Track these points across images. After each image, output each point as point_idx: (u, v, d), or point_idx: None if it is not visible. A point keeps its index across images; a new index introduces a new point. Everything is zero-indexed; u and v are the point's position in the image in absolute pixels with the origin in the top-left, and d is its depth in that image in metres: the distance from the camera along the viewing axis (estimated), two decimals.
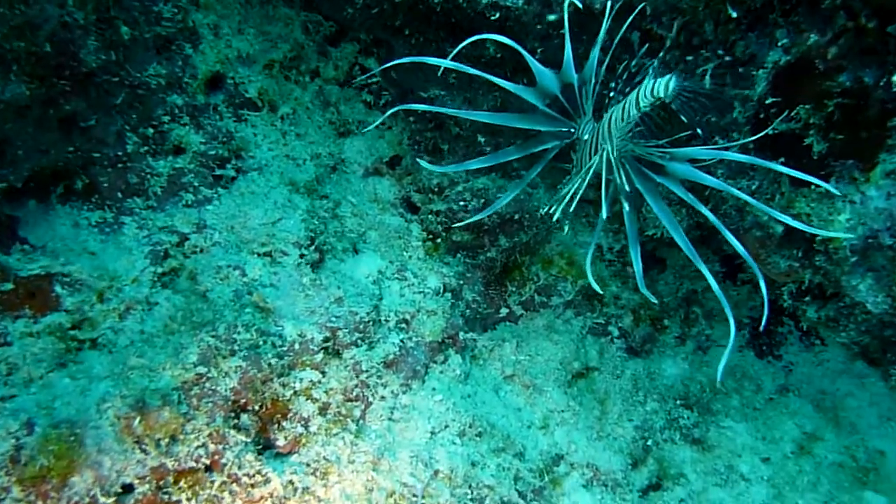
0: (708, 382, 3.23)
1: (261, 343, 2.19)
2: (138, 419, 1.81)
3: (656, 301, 2.28)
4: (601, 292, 2.29)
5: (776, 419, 3.06)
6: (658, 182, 1.92)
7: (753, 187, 2.30)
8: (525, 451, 2.76)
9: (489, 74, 1.95)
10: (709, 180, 1.96)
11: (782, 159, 2.14)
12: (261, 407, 2.18)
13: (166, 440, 1.87)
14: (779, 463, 2.92)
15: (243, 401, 2.10)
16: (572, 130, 2.05)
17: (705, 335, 3.44)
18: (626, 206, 1.90)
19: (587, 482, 2.84)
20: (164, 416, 1.83)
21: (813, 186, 2.10)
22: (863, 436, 2.99)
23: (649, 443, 3.01)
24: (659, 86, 1.71)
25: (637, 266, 1.92)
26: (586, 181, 1.96)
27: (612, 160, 1.91)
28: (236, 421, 2.08)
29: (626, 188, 1.88)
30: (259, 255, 2.42)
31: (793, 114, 2.01)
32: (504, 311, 3.37)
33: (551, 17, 2.28)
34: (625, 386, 3.25)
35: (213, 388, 2.03)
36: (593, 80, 1.99)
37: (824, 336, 3.24)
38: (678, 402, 3.16)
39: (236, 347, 2.13)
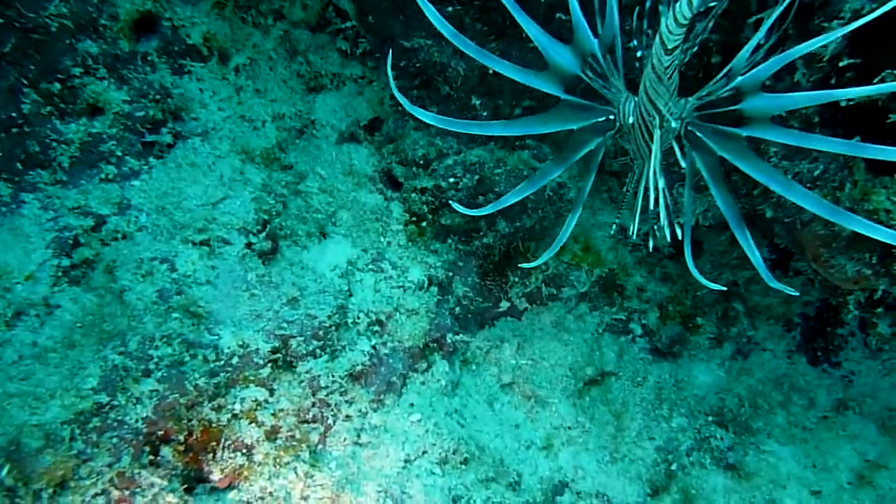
0: (748, 395, 2.90)
1: (186, 359, 1.91)
2: (6, 468, 1.55)
3: (723, 288, 1.89)
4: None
5: (831, 442, 2.73)
6: (745, 136, 1.56)
7: (816, 172, 1.93)
8: (521, 479, 2.48)
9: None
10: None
11: (857, 139, 1.75)
12: (188, 436, 1.91)
13: (49, 491, 1.61)
14: (832, 496, 2.61)
15: (161, 432, 1.83)
16: (611, 117, 1.69)
17: (746, 336, 3.10)
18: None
19: None
20: (45, 460, 1.57)
21: None
22: None
23: (673, 467, 2.73)
24: (682, 7, 1.37)
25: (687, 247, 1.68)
26: (658, 178, 1.55)
27: (670, 138, 1.61)
28: (153, 457, 1.82)
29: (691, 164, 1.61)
30: (194, 244, 2.12)
31: (875, 80, 1.61)
32: (504, 304, 3.06)
33: None
34: (647, 396, 2.95)
35: (119, 418, 1.76)
36: (619, 42, 1.63)
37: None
38: (710, 418, 2.85)
39: (152, 366, 1.85)
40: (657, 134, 1.57)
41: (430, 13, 1.66)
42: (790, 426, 2.81)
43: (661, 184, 1.54)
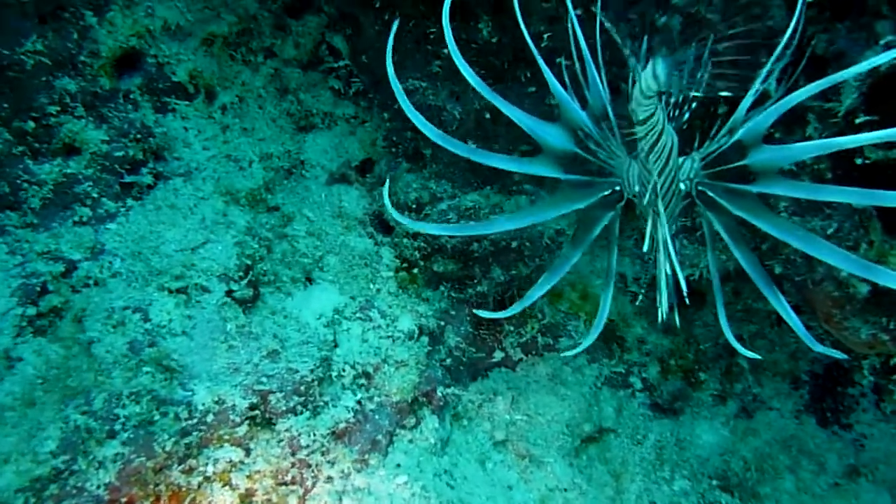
0: (754, 458, 2.79)
1: (156, 417, 1.80)
2: None
3: (759, 357, 1.83)
4: None
5: None
6: (755, 193, 1.52)
7: (830, 230, 1.86)
8: None
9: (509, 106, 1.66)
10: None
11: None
12: (155, 501, 1.79)
13: None
14: None
15: (125, 499, 1.72)
16: (617, 188, 1.65)
17: (752, 394, 3.00)
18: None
19: None
20: None
21: None
22: None
23: None
24: (647, 79, 1.39)
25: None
26: (665, 259, 1.55)
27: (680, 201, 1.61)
28: None
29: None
30: (171, 291, 2.03)
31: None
32: (498, 354, 2.97)
33: None
34: (647, 456, 2.85)
35: (79, 485, 1.65)
36: (609, 109, 1.60)
37: None
38: (715, 482, 2.75)
39: (118, 427, 1.74)
40: (658, 214, 1.53)
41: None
42: (799, 493, 2.69)
43: (668, 260, 1.48)
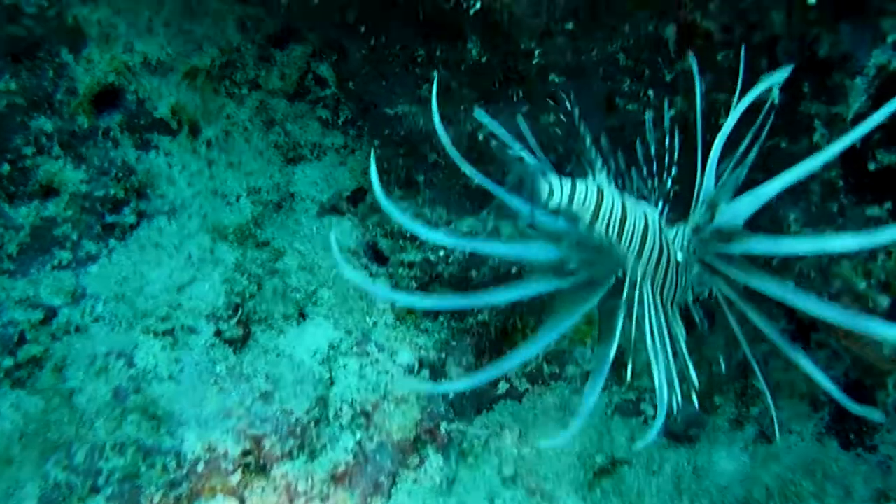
0: (776, 484, 2.69)
1: (143, 469, 1.71)
2: None
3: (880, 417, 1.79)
4: None
5: None
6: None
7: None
8: None
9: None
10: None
11: (888, 205, 1.63)
12: None
13: None
14: None
15: None
16: (619, 275, 1.73)
17: (770, 417, 2.90)
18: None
19: None
20: None
21: None
22: None
23: None
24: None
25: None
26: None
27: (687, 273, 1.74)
28: None
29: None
30: (156, 334, 1.95)
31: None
32: (503, 386, 2.88)
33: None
34: (664, 486, 2.74)
35: None
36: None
37: None
38: None
39: (101, 482, 1.65)
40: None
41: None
42: None
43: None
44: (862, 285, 1.77)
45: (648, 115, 1.82)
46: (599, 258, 1.69)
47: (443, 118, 2.34)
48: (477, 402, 2.81)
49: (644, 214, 1.73)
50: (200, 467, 1.86)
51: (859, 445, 2.68)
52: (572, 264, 1.65)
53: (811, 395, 2.85)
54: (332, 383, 2.27)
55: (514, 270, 2.49)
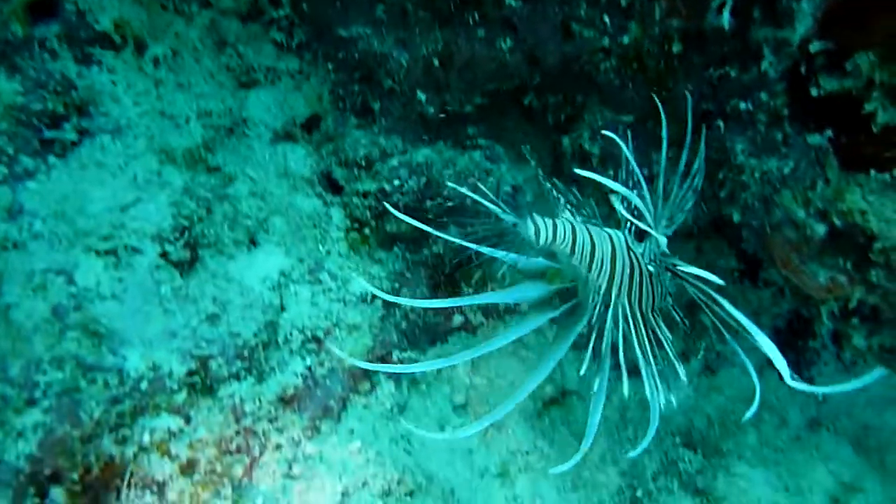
0: (718, 414, 2.79)
1: (82, 384, 1.70)
2: None
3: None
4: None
5: (804, 464, 2.62)
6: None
7: (787, 169, 1.82)
8: None
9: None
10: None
11: (829, 133, 1.66)
12: (85, 474, 1.70)
13: None
14: None
15: (49, 470, 1.62)
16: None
17: (715, 351, 2.99)
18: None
19: None
20: None
21: (873, 173, 1.61)
22: None
23: (639, 494, 2.60)
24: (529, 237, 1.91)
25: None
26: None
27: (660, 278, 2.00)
28: (39, 500, 1.60)
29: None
30: (98, 253, 1.92)
31: (848, 66, 1.52)
32: (458, 319, 2.90)
33: None
34: (610, 416, 2.83)
35: None
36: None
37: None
38: (678, 439, 2.73)
39: (38, 394, 1.64)
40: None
41: None
42: (761, 447, 2.70)
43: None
44: (801, 214, 1.81)
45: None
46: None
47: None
48: (431, 335, 2.84)
49: (609, 237, 1.97)
50: (144, 385, 1.86)
51: (797, 377, 2.77)
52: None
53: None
54: (282, 309, 2.26)
55: (468, 203, 2.48)
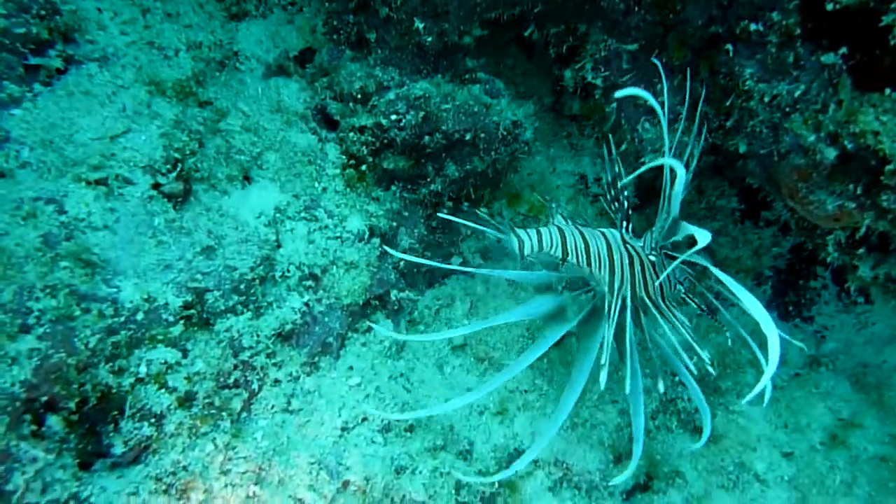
0: (717, 353, 2.79)
1: (77, 313, 1.67)
2: None
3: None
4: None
5: (803, 401, 2.63)
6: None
7: (798, 93, 1.78)
8: (473, 447, 2.32)
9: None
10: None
11: (843, 51, 1.61)
12: (81, 403, 1.68)
13: None
14: (804, 458, 2.52)
15: (45, 398, 1.60)
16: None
17: (714, 292, 2.98)
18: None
19: (555, 484, 2.42)
20: None
21: (887, 91, 1.57)
22: None
23: None
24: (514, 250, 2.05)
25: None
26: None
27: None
28: (35, 427, 1.59)
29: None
30: (89, 182, 1.87)
31: None
32: (456, 260, 2.89)
33: None
34: (610, 356, 2.81)
35: None
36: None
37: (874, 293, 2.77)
38: (677, 378, 2.72)
39: (32, 321, 1.61)
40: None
41: None
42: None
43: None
44: (811, 138, 1.77)
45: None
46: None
47: None
48: (429, 276, 2.82)
49: (602, 235, 2.06)
50: (140, 317, 1.83)
51: (797, 317, 2.79)
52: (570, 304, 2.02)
53: (755, 271, 2.93)
54: (278, 245, 2.23)
55: (468, 137, 2.42)
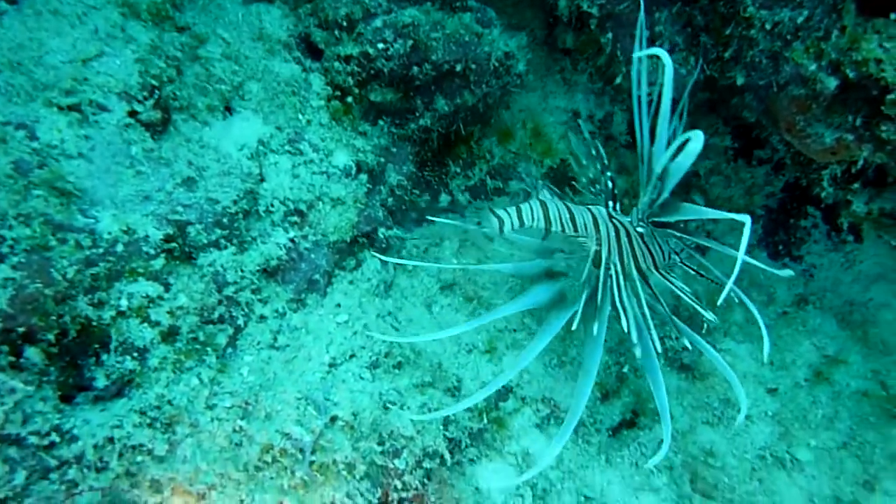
0: (705, 292, 2.79)
1: (52, 243, 1.61)
2: None
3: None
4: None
5: (790, 339, 2.66)
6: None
7: (800, 19, 1.72)
8: (461, 384, 2.32)
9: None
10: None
11: None
12: (61, 335, 1.64)
13: None
14: (788, 394, 2.56)
15: (23, 328, 1.56)
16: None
17: (706, 231, 2.98)
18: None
19: (542, 421, 2.44)
20: None
21: (893, 16, 1.52)
22: None
23: (625, 370, 2.62)
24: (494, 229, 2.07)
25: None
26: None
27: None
28: (13, 359, 1.55)
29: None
30: (61, 108, 1.79)
31: None
32: (445, 199, 2.85)
33: None
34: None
35: None
36: None
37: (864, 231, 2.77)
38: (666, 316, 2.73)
39: (6, 249, 1.55)
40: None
41: None
42: (748, 324, 2.72)
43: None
44: (812, 67, 1.72)
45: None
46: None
47: None
48: (418, 214, 2.78)
49: (589, 210, 2.09)
50: (119, 248, 1.77)
51: (787, 255, 2.79)
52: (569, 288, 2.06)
53: (747, 210, 2.91)
54: (262, 179, 2.16)
55: (458, 69, 2.34)
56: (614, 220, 2.10)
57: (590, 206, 2.12)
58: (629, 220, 2.10)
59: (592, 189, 2.24)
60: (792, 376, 2.60)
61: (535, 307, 2.06)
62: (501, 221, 2.04)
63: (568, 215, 2.08)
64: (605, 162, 2.14)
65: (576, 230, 2.08)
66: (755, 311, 1.90)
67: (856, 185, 1.93)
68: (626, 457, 2.46)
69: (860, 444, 2.45)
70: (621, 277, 2.05)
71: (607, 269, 2.06)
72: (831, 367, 2.59)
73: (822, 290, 2.79)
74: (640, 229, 2.07)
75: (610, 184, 2.14)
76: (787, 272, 1.75)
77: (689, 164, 1.69)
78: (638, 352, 1.92)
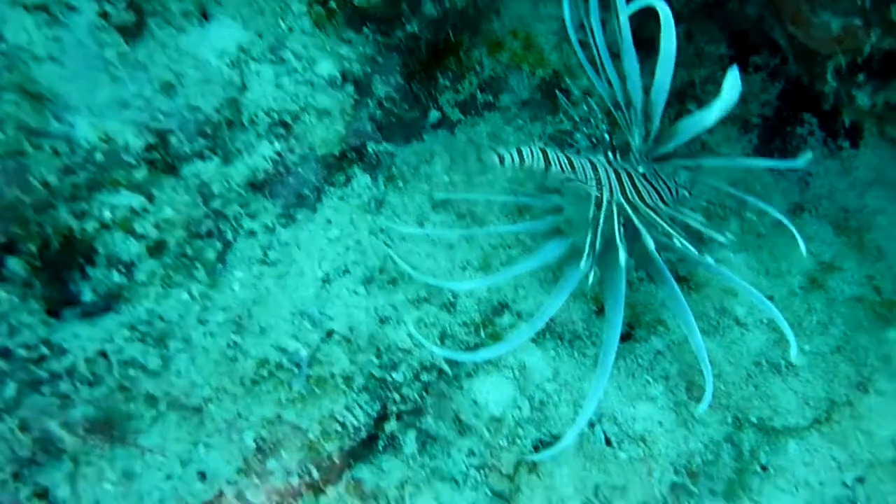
0: (698, 204, 2.77)
1: (28, 149, 1.54)
2: None
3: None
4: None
5: (785, 247, 2.65)
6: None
7: None
8: (456, 300, 2.30)
9: None
10: None
11: None
12: (44, 247, 1.58)
13: None
14: (783, 301, 2.57)
15: (3, 238, 1.50)
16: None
17: (700, 142, 2.94)
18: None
19: (538, 335, 2.44)
20: None
21: None
22: (891, 262, 2.62)
23: None
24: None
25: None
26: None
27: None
28: None
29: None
30: (27, 8, 1.68)
31: None
32: (435, 115, 2.77)
33: None
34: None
35: None
36: None
37: (867, 132, 2.73)
38: (660, 228, 2.71)
39: None
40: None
41: None
42: (743, 234, 2.72)
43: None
44: None
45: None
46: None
47: None
48: (406, 132, 2.71)
49: (588, 159, 2.16)
50: (98, 157, 1.70)
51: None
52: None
53: (742, 119, 2.88)
54: (244, 88, 2.08)
55: None
56: (614, 165, 2.16)
57: (589, 157, 2.20)
58: (626, 166, 2.17)
59: (587, 132, 2.34)
60: (787, 284, 2.61)
61: (547, 263, 2.16)
62: (502, 158, 2.12)
63: (566, 159, 2.14)
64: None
65: (574, 169, 2.15)
66: (784, 219, 2.05)
67: (860, 77, 1.89)
68: (623, 368, 2.48)
69: (853, 348, 2.48)
70: (631, 212, 2.11)
71: (609, 206, 2.13)
72: (826, 275, 2.61)
73: (818, 198, 2.78)
74: (640, 169, 2.15)
75: (607, 136, 2.23)
76: (807, 155, 1.73)
77: (668, 80, 1.76)
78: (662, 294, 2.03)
